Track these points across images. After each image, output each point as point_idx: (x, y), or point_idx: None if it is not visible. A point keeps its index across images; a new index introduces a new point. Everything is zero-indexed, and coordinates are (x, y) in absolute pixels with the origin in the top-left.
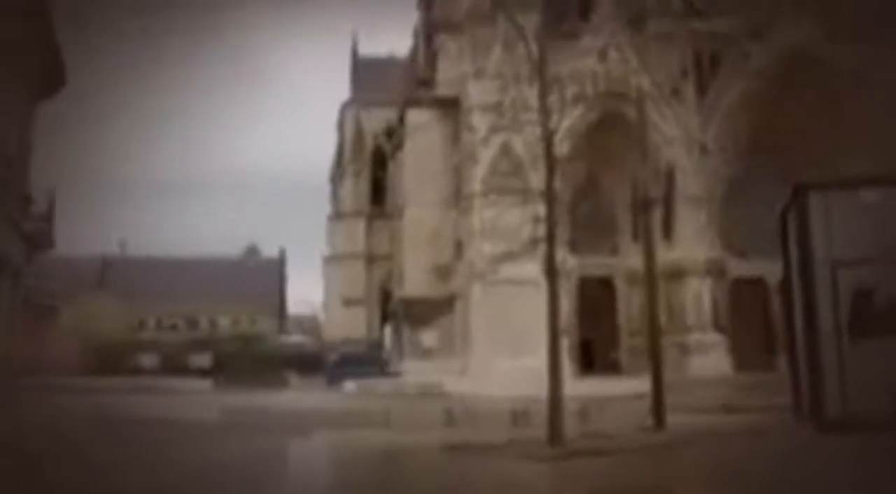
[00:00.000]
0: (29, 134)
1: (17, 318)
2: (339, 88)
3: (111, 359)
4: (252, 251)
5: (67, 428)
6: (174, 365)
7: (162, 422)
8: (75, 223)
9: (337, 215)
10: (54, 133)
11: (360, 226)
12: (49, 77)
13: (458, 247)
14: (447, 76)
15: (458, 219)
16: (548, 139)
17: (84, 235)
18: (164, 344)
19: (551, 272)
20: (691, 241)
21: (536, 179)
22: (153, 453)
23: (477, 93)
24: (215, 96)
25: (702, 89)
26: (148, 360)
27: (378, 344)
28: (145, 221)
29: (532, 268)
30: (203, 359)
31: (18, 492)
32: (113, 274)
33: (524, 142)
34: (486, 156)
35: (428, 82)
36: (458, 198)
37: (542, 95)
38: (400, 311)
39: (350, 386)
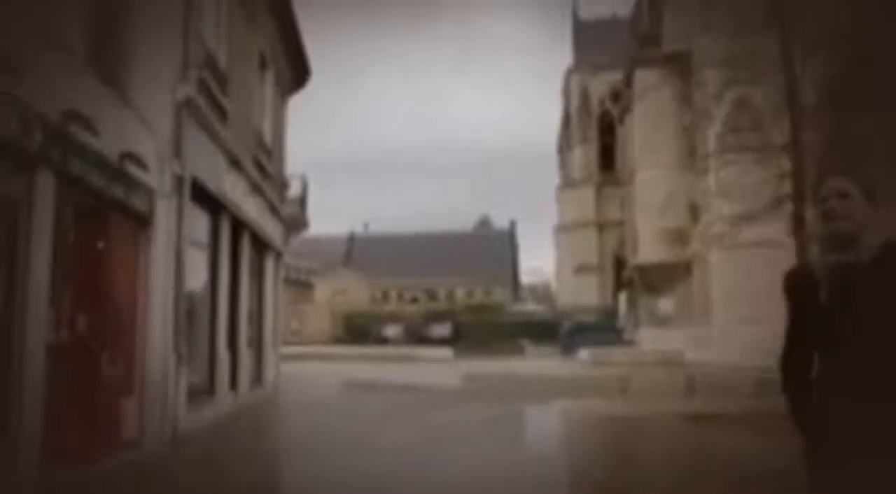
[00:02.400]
0: (282, 125)
1: (281, 294)
2: (563, 55)
3: (359, 330)
4: (484, 223)
5: (323, 392)
6: (416, 335)
7: (406, 388)
8: (324, 204)
9: (566, 183)
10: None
11: (589, 193)
12: (297, 75)
13: (694, 211)
14: (674, 31)
15: (692, 181)
16: (792, 88)
17: (332, 215)
18: (406, 316)
19: (800, 232)
20: None
21: (779, 134)
22: (398, 415)
23: (707, 45)
24: (437, 73)
25: None
26: (392, 330)
27: (612, 312)
28: (384, 200)
29: (776, 229)
30: (443, 329)
31: (290, 437)
32: (358, 251)
33: (763, 95)
34: (721, 112)
35: (654, 39)
36: (691, 159)
37: (784, 40)
38: (634, 278)
39: (584, 354)
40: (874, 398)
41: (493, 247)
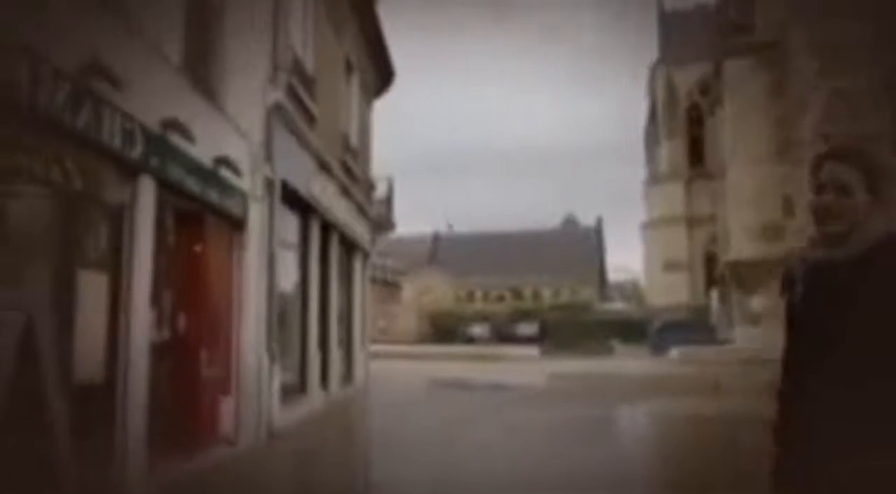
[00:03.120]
0: (368, 127)
1: (368, 294)
2: (647, 51)
3: (445, 329)
4: (570, 221)
5: (411, 390)
6: (502, 334)
7: (493, 386)
8: (409, 204)
9: (654, 178)
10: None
11: (678, 188)
12: (382, 77)
13: (788, 204)
14: (765, 19)
15: (786, 173)
16: (892, 75)
17: (416, 215)
18: (492, 315)
19: None
20: None
21: (878, 122)
22: (485, 413)
23: (801, 33)
24: (523, 71)
25: None
26: (478, 329)
27: (703, 310)
28: (469, 199)
29: None
30: (529, 328)
31: (380, 434)
32: (444, 250)
33: (861, 83)
34: (817, 101)
35: (743, 29)
36: (785, 151)
37: (881, 26)
38: (726, 275)
39: (675, 353)
40: (847, 408)
41: (580, 245)
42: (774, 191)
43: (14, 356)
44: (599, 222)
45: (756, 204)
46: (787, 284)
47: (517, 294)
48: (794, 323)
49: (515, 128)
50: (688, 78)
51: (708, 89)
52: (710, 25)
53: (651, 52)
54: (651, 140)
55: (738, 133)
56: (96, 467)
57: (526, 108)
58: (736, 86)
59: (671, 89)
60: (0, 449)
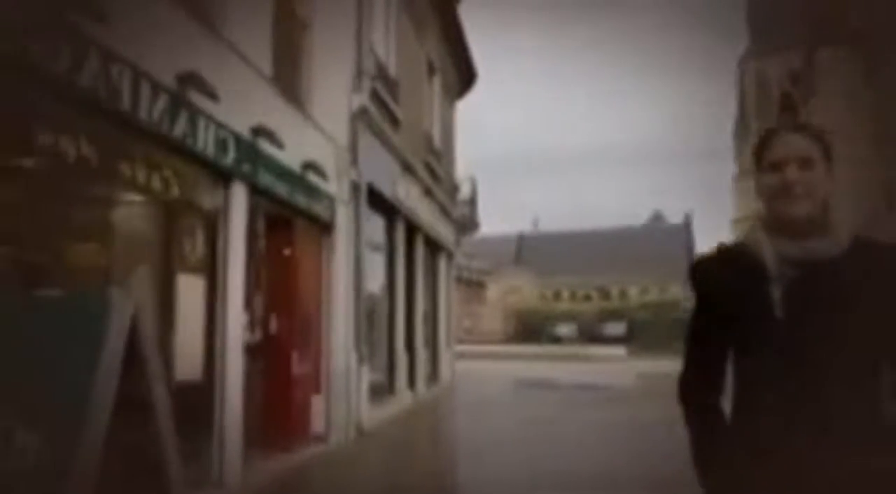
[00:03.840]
0: (451, 128)
1: (453, 295)
2: (737, 45)
3: (530, 329)
4: (657, 218)
5: (497, 390)
6: (589, 334)
7: (579, 386)
8: (493, 204)
9: (743, 174)
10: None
11: None
12: (464, 78)
13: (890, 196)
14: (859, 6)
15: (889, 164)
16: None
17: (501, 215)
18: (578, 314)
19: None
20: None
21: None
22: (572, 413)
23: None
24: (608, 70)
25: None
26: (565, 329)
27: None
28: (554, 198)
29: None
30: (617, 328)
31: (468, 433)
32: (528, 249)
33: None
34: None
35: (835, 17)
36: (883, 142)
37: None
38: None
39: None
40: (825, 436)
41: (667, 243)
42: (873, 184)
43: (123, 346)
44: (688, 218)
45: (853, 197)
46: (725, 281)
47: (604, 293)
48: (767, 330)
49: (605, 126)
50: (778, 68)
51: (798, 79)
52: (799, 14)
53: (740, 48)
54: (740, 134)
55: (833, 123)
56: (195, 463)
57: (615, 105)
58: (829, 76)
59: (761, 81)
60: (110, 445)
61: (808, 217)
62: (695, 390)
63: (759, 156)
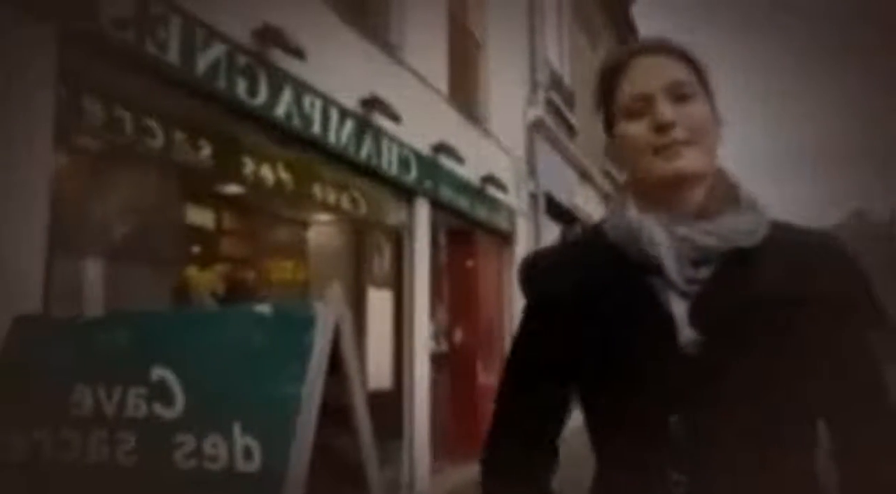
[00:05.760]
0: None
1: None
2: None
3: None
4: (858, 215)
5: None
6: None
7: None
8: None
9: None
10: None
11: None
12: None
13: None
14: None
15: None
16: None
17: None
18: None
19: None
20: None
21: None
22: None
23: None
24: (792, 68)
25: None
26: None
27: None
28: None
29: None
30: None
31: None
32: None
33: None
34: None
35: None
36: None
37: None
38: None
39: None
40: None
41: (870, 241)
42: None
43: (328, 355)
44: (894, 214)
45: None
46: (570, 290)
47: None
48: (660, 371)
49: (782, 128)
50: None
51: None
52: None
53: None
54: None
55: None
56: (387, 470)
57: (811, 105)
58: None
59: None
60: (316, 448)
61: (702, 173)
62: (508, 451)
63: (607, 99)
